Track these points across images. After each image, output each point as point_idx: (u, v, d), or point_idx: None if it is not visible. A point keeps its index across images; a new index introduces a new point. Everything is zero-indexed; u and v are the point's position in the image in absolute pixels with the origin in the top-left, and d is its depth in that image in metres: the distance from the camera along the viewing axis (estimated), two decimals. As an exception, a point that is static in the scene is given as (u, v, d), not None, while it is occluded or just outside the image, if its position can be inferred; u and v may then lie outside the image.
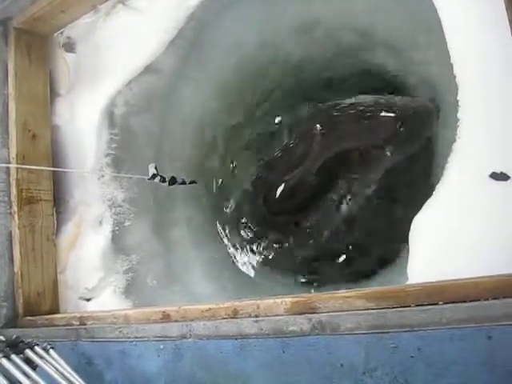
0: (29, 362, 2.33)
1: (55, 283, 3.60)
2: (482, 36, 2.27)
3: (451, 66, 2.36)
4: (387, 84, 3.83)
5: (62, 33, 3.85)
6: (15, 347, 2.37)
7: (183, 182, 3.50)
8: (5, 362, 2.28)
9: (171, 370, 2.47)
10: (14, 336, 2.46)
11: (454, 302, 1.80)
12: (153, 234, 3.95)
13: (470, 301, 1.78)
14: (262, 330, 2.18)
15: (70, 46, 3.85)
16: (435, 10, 2.46)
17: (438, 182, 2.42)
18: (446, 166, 2.37)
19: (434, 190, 2.40)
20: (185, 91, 3.99)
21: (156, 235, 3.97)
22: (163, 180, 3.32)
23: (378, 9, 3.38)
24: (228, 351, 2.28)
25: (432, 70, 3.20)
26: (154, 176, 3.27)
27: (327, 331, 2.01)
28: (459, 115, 2.34)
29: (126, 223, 3.80)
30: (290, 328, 2.10)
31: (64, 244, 3.69)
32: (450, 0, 2.40)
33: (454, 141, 2.36)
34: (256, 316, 2.27)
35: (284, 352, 2.11)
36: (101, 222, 3.72)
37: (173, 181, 3.39)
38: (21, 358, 2.33)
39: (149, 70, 3.62)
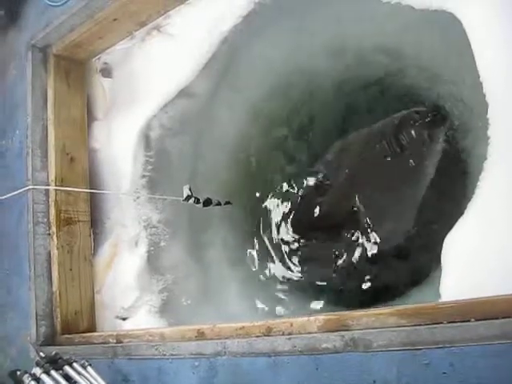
0: (67, 378, 2.37)
1: (92, 303, 3.68)
2: (510, 54, 2.29)
3: (481, 84, 2.37)
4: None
5: (99, 59, 3.97)
6: (54, 363, 2.41)
7: (218, 204, 3.55)
8: (45, 377, 2.33)
9: (206, 386, 2.51)
10: (54, 352, 2.52)
11: (486, 319, 1.80)
12: (187, 254, 4.00)
13: (503, 317, 1.78)
14: (295, 347, 2.20)
15: (106, 72, 3.97)
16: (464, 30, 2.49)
17: (469, 200, 2.43)
18: (477, 185, 2.38)
19: (465, 209, 2.40)
20: (218, 114, 4.07)
21: (190, 255, 4.02)
22: (197, 201, 3.37)
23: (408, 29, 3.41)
24: (261, 368, 2.30)
25: (463, 89, 3.21)
26: (188, 197, 3.31)
27: (360, 348, 2.02)
28: (489, 133, 2.35)
29: (162, 244, 3.87)
30: (323, 345, 2.12)
31: (101, 264, 3.76)
32: (477, 20, 2.42)
33: (486, 159, 2.37)
34: (289, 334, 2.29)
35: (317, 369, 2.13)
36: (136, 243, 3.79)
37: (207, 202, 3.44)
38: (60, 374, 2.37)
39: (183, 93, 3.69)
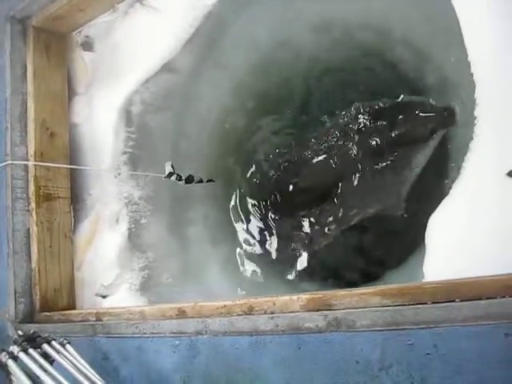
0: (46, 356, 2.34)
1: (72, 280, 3.63)
2: (499, 34, 2.26)
3: (468, 64, 2.35)
4: (404, 83, 3.81)
5: (80, 32, 3.88)
6: (33, 341, 2.38)
7: (200, 181, 3.51)
8: (23, 355, 2.29)
9: (187, 365, 2.48)
10: (32, 331, 2.48)
11: (470, 300, 1.79)
12: (169, 232, 3.97)
13: (487, 298, 1.77)
14: (277, 326, 2.19)
15: (88, 45, 3.89)
16: (453, 9, 2.46)
17: (454, 180, 2.41)
18: (462, 165, 2.37)
19: (450, 189, 2.39)
20: (201, 90, 4.01)
21: (172, 233, 3.98)
22: (180, 178, 3.33)
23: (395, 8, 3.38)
24: (243, 347, 2.29)
25: (450, 68, 3.19)
26: (170, 174, 3.28)
27: (343, 328, 2.00)
28: (476, 114, 2.33)
29: (143, 221, 3.83)
30: (306, 324, 2.10)
31: (81, 241, 3.71)
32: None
33: (471, 139, 2.35)
34: (272, 313, 2.27)
35: (300, 348, 2.11)
36: (117, 220, 3.75)
37: (189, 179, 3.40)
38: (38, 353, 2.34)
39: (166, 68, 3.63)
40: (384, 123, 3.80)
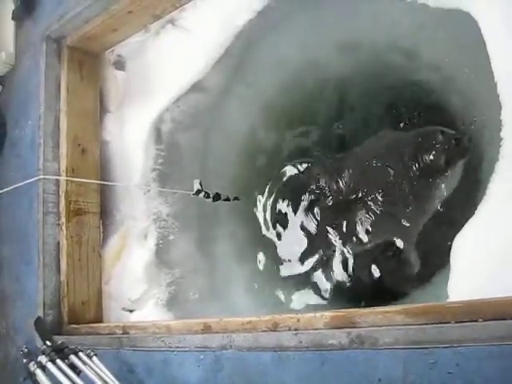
0: (73, 367, 2.38)
1: (100, 293, 3.70)
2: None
3: (495, 85, 2.36)
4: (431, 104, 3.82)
5: (112, 51, 3.98)
6: (60, 352, 2.43)
7: (227, 199, 3.56)
8: (50, 365, 2.34)
9: (211, 380, 2.50)
10: (60, 341, 2.53)
11: (493, 320, 1.79)
12: (196, 248, 4.01)
13: (511, 318, 1.77)
14: (301, 342, 2.20)
15: (120, 64, 3.98)
16: (479, 31, 2.48)
17: (480, 201, 2.42)
18: (488, 186, 2.37)
19: (476, 210, 2.39)
20: (230, 109, 4.07)
21: (199, 250, 4.02)
22: (207, 196, 3.38)
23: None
24: (267, 363, 2.30)
25: (476, 89, 3.19)
26: (198, 191, 3.33)
27: (366, 345, 2.01)
28: (502, 134, 2.34)
29: (171, 237, 3.88)
30: (329, 341, 2.11)
31: (109, 256, 3.78)
32: (494, 21, 2.41)
33: (497, 160, 2.36)
34: (296, 329, 2.29)
35: (323, 365, 2.13)
36: (146, 236, 3.81)
37: (217, 197, 3.45)
38: (65, 364, 2.38)
39: (196, 87, 3.71)
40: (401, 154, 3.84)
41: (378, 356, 1.98)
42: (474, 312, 1.86)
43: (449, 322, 1.88)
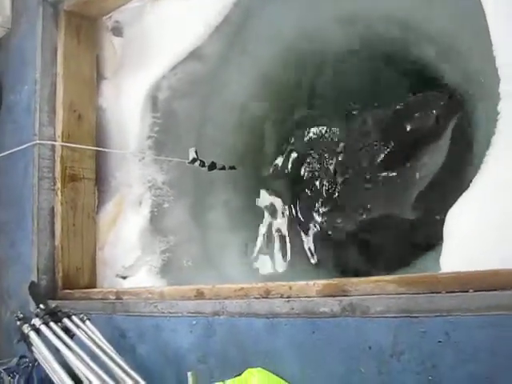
0: (66, 330, 2.41)
1: (94, 259, 3.71)
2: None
3: (494, 58, 2.35)
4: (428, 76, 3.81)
5: (110, 17, 3.94)
6: (54, 315, 2.45)
7: (223, 168, 3.56)
8: (44, 328, 2.36)
9: (203, 345, 2.53)
10: (54, 305, 2.55)
11: (483, 290, 1.81)
12: (190, 216, 4.02)
13: (501, 289, 1.79)
14: (293, 309, 2.22)
15: (117, 30, 3.95)
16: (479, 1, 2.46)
17: (475, 174, 2.42)
18: (484, 160, 2.37)
19: (470, 183, 2.40)
20: (228, 77, 4.04)
21: (193, 218, 4.03)
22: (203, 164, 3.38)
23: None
24: (259, 329, 2.33)
25: (474, 62, 3.18)
26: (194, 160, 3.33)
27: (357, 313, 2.03)
28: (499, 108, 2.34)
29: (165, 205, 3.88)
30: (321, 309, 2.14)
31: (104, 222, 3.78)
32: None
33: (494, 134, 2.35)
34: (288, 297, 2.31)
35: (314, 332, 2.15)
36: (140, 203, 3.80)
37: (212, 166, 3.45)
38: (59, 327, 2.40)
39: (194, 55, 3.66)
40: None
41: (368, 324, 2.01)
42: (464, 282, 1.88)
43: (440, 292, 1.90)
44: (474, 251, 2.19)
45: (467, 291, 1.85)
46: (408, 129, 3.91)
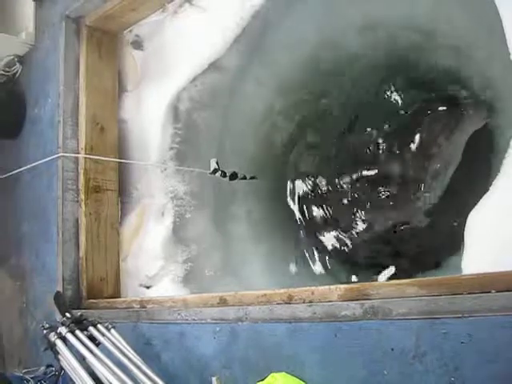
0: (92, 338, 2.44)
1: (117, 270, 3.76)
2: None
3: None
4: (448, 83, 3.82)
5: (130, 31, 4.02)
6: (80, 324, 2.49)
7: (244, 178, 3.59)
8: (70, 336, 2.40)
9: (226, 351, 2.55)
10: (79, 313, 2.59)
11: (506, 291, 1.81)
12: (212, 226, 4.05)
13: (522, 290, 1.79)
14: (315, 314, 2.24)
15: (138, 44, 4.02)
16: (497, 10, 2.47)
17: (495, 177, 2.42)
18: (503, 162, 2.38)
19: (491, 186, 2.40)
20: (247, 88, 4.08)
21: (215, 228, 4.06)
22: (224, 175, 3.42)
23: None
24: (281, 334, 2.34)
25: (494, 68, 3.18)
26: (215, 170, 3.37)
27: (379, 316, 2.04)
28: (518, 111, 2.35)
29: (187, 215, 3.92)
30: (343, 313, 2.15)
31: (127, 233, 3.83)
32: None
33: (512, 136, 2.36)
34: (310, 301, 2.32)
35: (336, 336, 2.16)
36: (163, 213, 3.85)
37: (233, 176, 3.49)
38: (85, 335, 2.44)
39: (213, 66, 3.72)
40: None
41: (390, 326, 2.01)
42: (486, 284, 1.88)
43: (461, 294, 1.90)
44: (496, 253, 2.20)
45: (489, 292, 1.85)
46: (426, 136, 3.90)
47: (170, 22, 3.81)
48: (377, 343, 2.04)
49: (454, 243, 3.22)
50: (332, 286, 2.32)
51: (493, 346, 1.77)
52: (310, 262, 4.48)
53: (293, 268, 4.43)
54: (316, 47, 4.02)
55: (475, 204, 2.42)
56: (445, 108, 3.80)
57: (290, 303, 2.40)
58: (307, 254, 4.54)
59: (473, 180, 3.47)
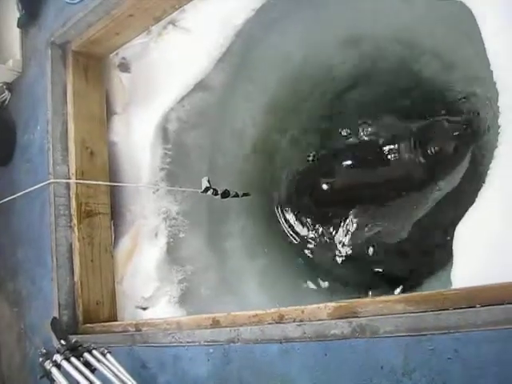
0: (87, 365, 2.45)
1: (113, 293, 3.76)
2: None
3: (491, 72, 2.38)
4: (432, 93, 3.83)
5: (117, 54, 4.04)
6: (75, 350, 2.50)
7: (236, 195, 3.59)
8: (65, 364, 2.41)
9: (220, 372, 2.56)
10: (74, 340, 2.60)
11: (490, 305, 1.82)
12: (206, 245, 4.06)
13: (508, 303, 1.80)
14: (305, 333, 2.25)
15: (124, 66, 4.04)
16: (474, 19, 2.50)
17: (479, 189, 2.44)
18: (488, 173, 2.39)
19: (476, 197, 2.41)
20: (235, 106, 4.11)
21: (209, 246, 4.07)
22: (216, 193, 3.42)
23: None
24: (273, 354, 2.36)
25: (475, 77, 3.21)
26: (207, 189, 3.37)
27: (367, 334, 2.06)
28: (500, 121, 2.36)
29: (181, 235, 3.93)
30: (332, 331, 2.16)
31: (121, 255, 3.84)
32: (486, 8, 2.42)
33: (496, 147, 2.38)
34: (300, 321, 2.33)
35: (326, 355, 2.17)
36: (156, 234, 3.86)
37: (226, 194, 3.49)
38: (80, 361, 2.45)
39: (200, 86, 3.75)
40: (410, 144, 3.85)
41: (379, 344, 2.03)
42: (471, 298, 1.89)
43: (447, 309, 1.91)
44: (483, 264, 2.21)
45: (474, 306, 1.86)
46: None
47: (155, 43, 3.84)
48: (366, 361, 2.05)
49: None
50: (321, 305, 2.33)
51: (479, 361, 1.78)
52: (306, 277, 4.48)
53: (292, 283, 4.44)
54: (301, 63, 4.05)
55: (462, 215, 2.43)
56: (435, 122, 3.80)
57: (280, 322, 2.42)
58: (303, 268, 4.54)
59: (459, 192, 3.50)
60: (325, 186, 4.45)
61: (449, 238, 2.54)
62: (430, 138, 3.77)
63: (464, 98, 3.57)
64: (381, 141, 4.08)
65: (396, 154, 3.94)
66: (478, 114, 3.43)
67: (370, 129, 4.23)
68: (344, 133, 4.41)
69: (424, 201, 3.82)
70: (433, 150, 3.72)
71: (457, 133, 3.61)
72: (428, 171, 3.77)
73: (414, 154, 3.82)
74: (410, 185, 3.88)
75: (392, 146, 3.97)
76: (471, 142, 3.55)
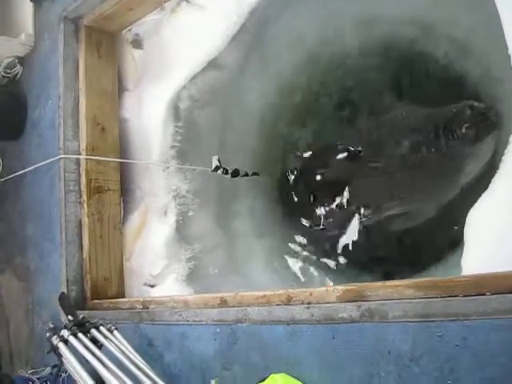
0: (94, 341, 2.46)
1: (121, 269, 3.78)
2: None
3: (509, 57, 2.34)
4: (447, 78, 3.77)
5: (129, 30, 4.01)
6: (82, 326, 2.51)
7: (246, 174, 3.59)
8: (72, 339, 2.42)
9: (227, 352, 2.56)
10: (81, 316, 2.61)
11: (500, 293, 1.80)
12: (215, 224, 4.06)
13: (517, 291, 1.78)
14: (313, 316, 2.24)
15: (137, 43, 4.01)
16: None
17: (494, 175, 2.41)
18: (502, 158, 2.36)
19: (490, 184, 2.39)
20: (247, 85, 4.07)
21: (218, 225, 4.07)
22: (226, 172, 3.42)
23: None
24: (280, 336, 2.35)
25: (492, 62, 3.16)
26: (217, 168, 3.37)
27: (375, 319, 2.04)
28: (516, 107, 2.33)
29: (190, 213, 3.92)
30: (340, 315, 2.15)
31: (130, 232, 3.85)
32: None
33: (511, 133, 2.34)
34: (308, 303, 2.33)
35: (334, 338, 2.16)
36: (165, 212, 3.86)
37: (235, 173, 3.49)
38: (87, 337, 2.46)
39: (212, 64, 3.72)
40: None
41: (387, 329, 2.01)
42: (481, 285, 1.87)
43: (456, 296, 1.90)
44: (494, 251, 2.19)
45: (484, 294, 1.84)
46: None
47: (169, 20, 3.81)
48: (374, 346, 2.04)
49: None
50: (330, 288, 2.32)
51: (487, 350, 1.77)
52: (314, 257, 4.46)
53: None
54: (314, 43, 4.00)
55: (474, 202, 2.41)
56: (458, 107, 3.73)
57: (288, 304, 2.41)
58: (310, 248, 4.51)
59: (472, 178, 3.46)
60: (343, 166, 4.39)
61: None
62: (453, 124, 3.70)
63: (484, 83, 3.51)
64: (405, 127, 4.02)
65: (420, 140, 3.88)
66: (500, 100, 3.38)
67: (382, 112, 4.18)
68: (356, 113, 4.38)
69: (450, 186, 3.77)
70: (456, 136, 3.66)
71: (480, 119, 3.55)
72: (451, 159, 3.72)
73: (437, 141, 3.76)
74: (434, 171, 3.83)
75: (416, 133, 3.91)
76: (493, 128, 3.49)
